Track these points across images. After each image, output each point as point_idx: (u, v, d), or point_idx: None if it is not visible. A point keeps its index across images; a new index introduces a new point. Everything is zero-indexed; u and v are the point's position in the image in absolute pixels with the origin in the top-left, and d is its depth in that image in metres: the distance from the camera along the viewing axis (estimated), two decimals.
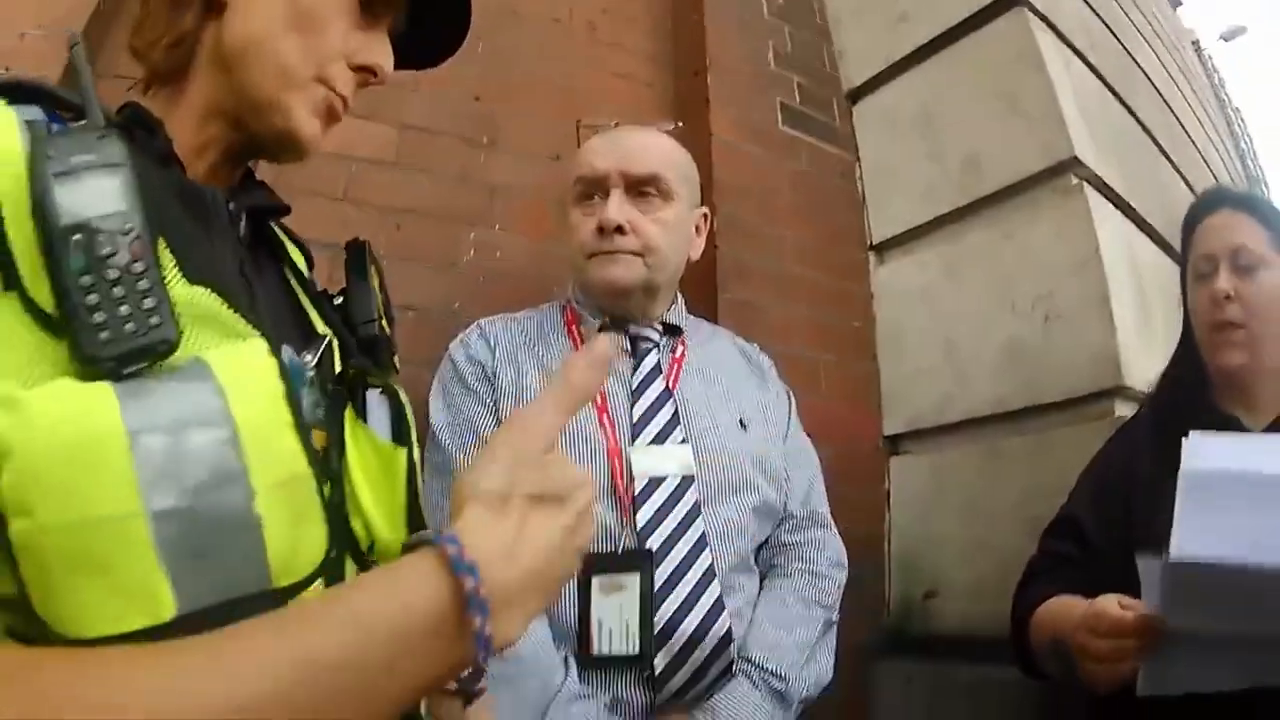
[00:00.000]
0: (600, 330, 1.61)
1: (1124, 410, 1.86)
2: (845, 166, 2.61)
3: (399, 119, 2.09)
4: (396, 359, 0.97)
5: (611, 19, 2.54)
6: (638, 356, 1.59)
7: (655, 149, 1.62)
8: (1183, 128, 3.16)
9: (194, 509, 0.57)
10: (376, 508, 0.79)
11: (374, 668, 0.52)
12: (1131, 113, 2.62)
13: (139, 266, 0.60)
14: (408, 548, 0.60)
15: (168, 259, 0.65)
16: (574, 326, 1.63)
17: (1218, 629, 1.10)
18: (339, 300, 0.95)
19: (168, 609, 0.56)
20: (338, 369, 0.83)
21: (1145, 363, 1.87)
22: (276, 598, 0.62)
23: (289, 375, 0.65)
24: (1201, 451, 1.14)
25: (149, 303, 0.60)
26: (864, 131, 2.65)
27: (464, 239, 2.08)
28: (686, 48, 2.53)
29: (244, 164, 0.87)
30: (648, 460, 1.46)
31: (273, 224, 0.92)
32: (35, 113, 0.66)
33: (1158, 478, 1.29)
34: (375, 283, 0.96)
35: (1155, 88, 3.01)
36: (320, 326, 0.87)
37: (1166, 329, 2.00)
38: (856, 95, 2.68)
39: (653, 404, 1.53)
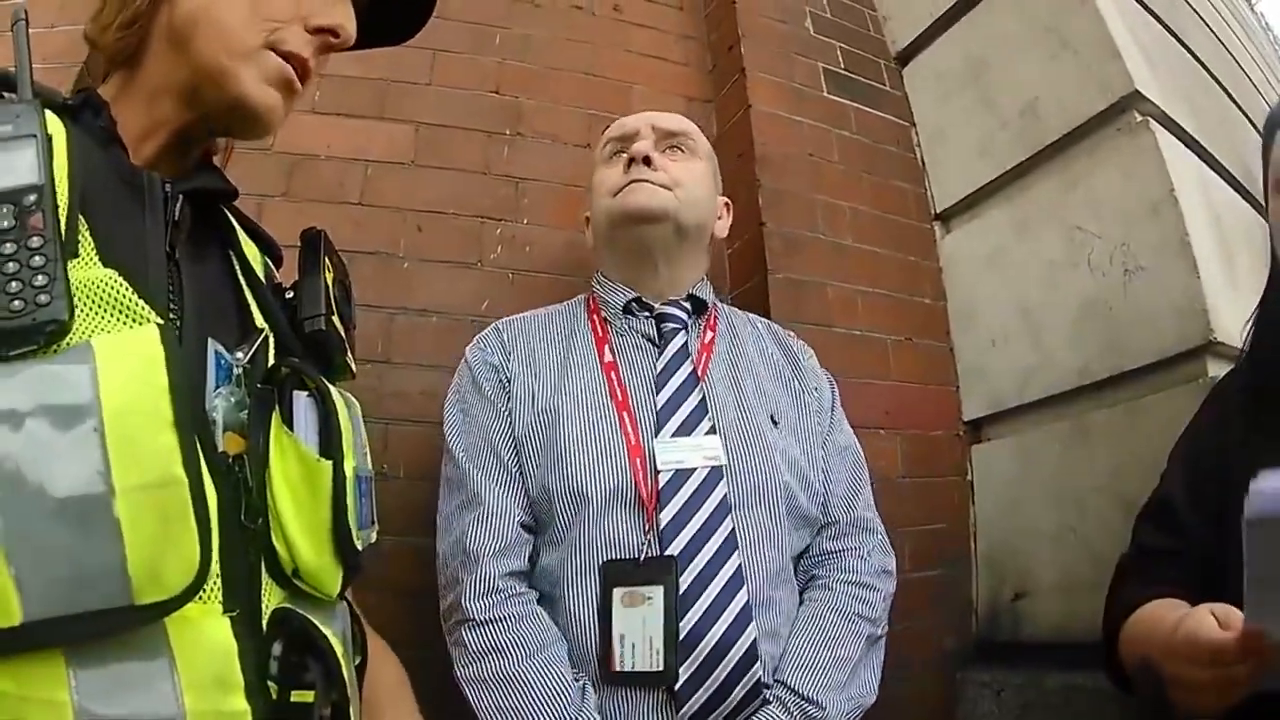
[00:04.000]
0: (625, 310, 1.53)
1: (1217, 370, 1.66)
2: (898, 132, 2.42)
3: (414, 117, 2.01)
4: (351, 360, 0.94)
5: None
6: (663, 339, 1.50)
7: (686, 120, 1.66)
8: (1244, 73, 2.95)
9: (47, 504, 0.54)
10: (298, 526, 0.74)
11: None
12: (1190, 51, 2.40)
13: (36, 241, 0.59)
14: None
15: (87, 240, 0.65)
16: (596, 315, 1.55)
17: None
18: (290, 295, 0.91)
19: (14, 612, 0.53)
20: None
21: (1235, 315, 1.65)
22: (138, 615, 0.58)
23: (175, 367, 0.61)
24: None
25: (40, 280, 0.58)
26: (916, 94, 2.48)
27: (490, 236, 1.97)
28: (719, 22, 2.39)
29: (197, 147, 0.85)
30: (674, 453, 1.37)
31: (229, 212, 0.90)
32: None
33: (1256, 445, 1.10)
34: (328, 277, 0.92)
35: (1211, 30, 2.80)
36: (259, 320, 0.84)
37: (1252, 282, 1.78)
38: (905, 57, 2.51)
39: (677, 391, 1.44)
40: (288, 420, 0.78)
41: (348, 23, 0.86)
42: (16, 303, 0.57)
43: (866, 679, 1.38)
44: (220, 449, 0.71)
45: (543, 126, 2.13)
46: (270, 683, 0.70)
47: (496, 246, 1.96)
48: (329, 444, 0.79)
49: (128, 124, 0.78)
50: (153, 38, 0.80)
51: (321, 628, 0.75)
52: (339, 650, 0.77)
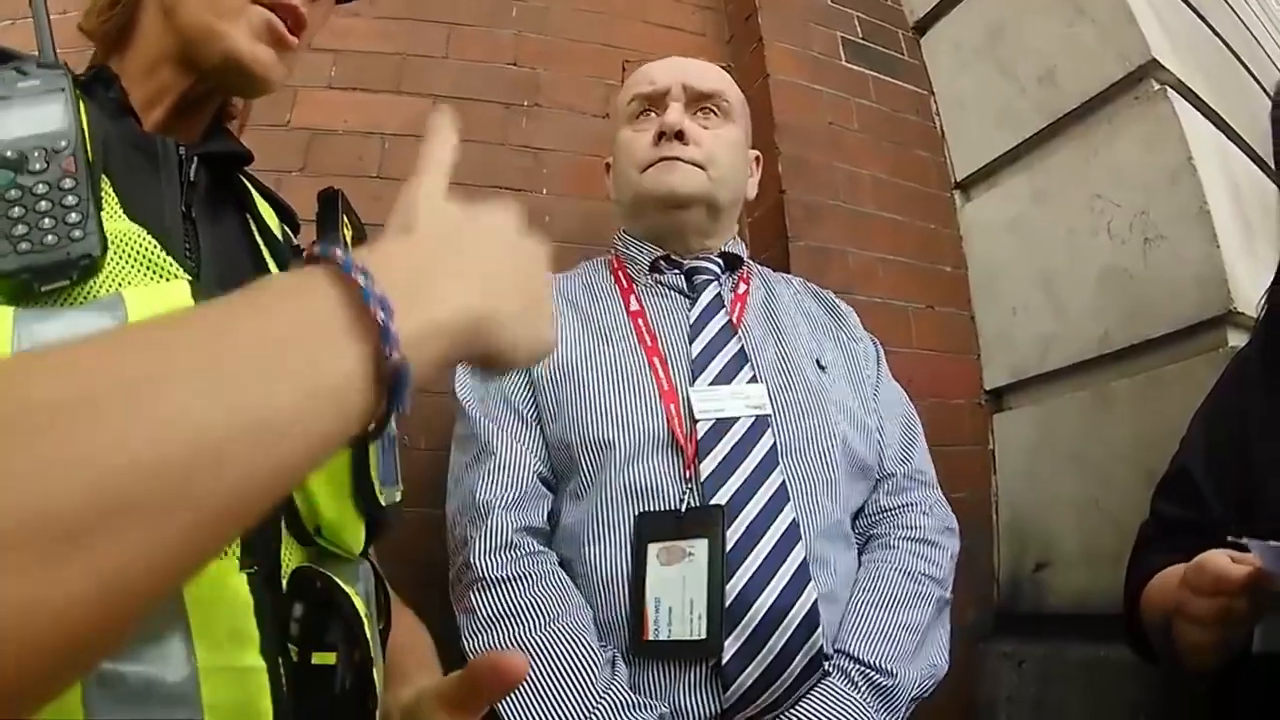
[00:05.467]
0: (652, 269, 1.42)
1: (1237, 340, 1.63)
2: (918, 102, 2.37)
3: (431, 90, 1.98)
4: None
5: None
6: (694, 291, 1.39)
7: (717, 71, 1.52)
8: (1260, 47, 2.91)
9: None
10: (319, 479, 0.71)
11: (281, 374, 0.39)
12: (1206, 23, 2.35)
13: (68, 183, 0.60)
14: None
15: (110, 195, 0.65)
16: (620, 272, 1.44)
17: None
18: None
19: None
20: None
21: (1255, 285, 1.59)
22: None
23: None
24: None
25: (74, 217, 0.59)
26: (935, 63, 2.43)
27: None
28: None
29: (204, 111, 0.85)
30: (712, 401, 1.24)
31: (243, 177, 0.89)
32: None
33: (1273, 413, 1.08)
34: (347, 235, 0.89)
35: (1227, 3, 2.74)
36: None
37: (1271, 253, 1.79)
38: (923, 26, 2.46)
39: (714, 339, 1.32)
40: None
41: None
42: (50, 238, 0.58)
43: (937, 647, 1.24)
44: None
45: (561, 98, 2.09)
46: (291, 645, 0.66)
47: None
48: None
49: (132, 95, 0.78)
50: (141, 13, 0.80)
51: (344, 586, 0.72)
52: (362, 610, 0.73)
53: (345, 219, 0.91)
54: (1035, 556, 1.98)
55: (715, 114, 1.46)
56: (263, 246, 0.85)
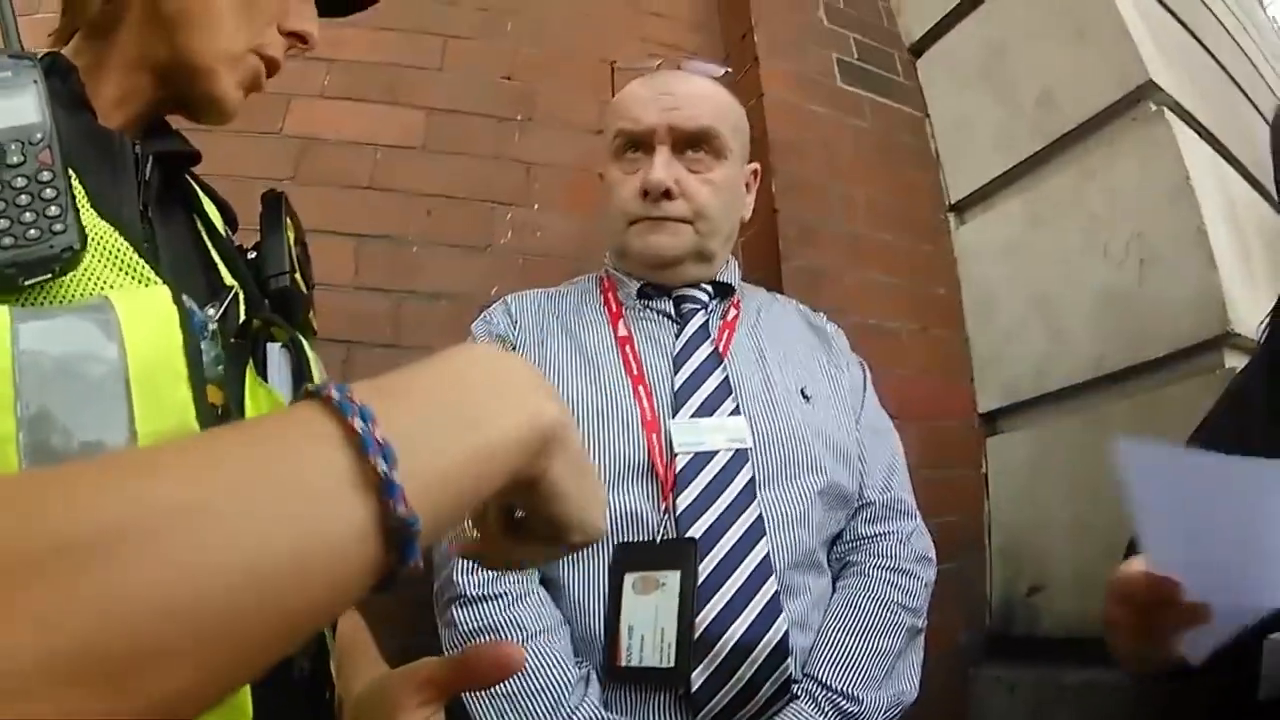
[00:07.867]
0: (639, 294, 1.38)
1: (1234, 362, 1.61)
2: (913, 123, 2.35)
3: (425, 102, 1.96)
4: (314, 317, 0.91)
5: None
6: (682, 319, 1.35)
7: (707, 100, 1.38)
8: (1258, 72, 2.91)
9: (71, 444, 0.53)
10: None
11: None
12: (1204, 46, 2.34)
13: (46, 175, 0.59)
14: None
15: (79, 190, 0.64)
16: (610, 294, 1.40)
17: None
18: (253, 255, 0.89)
19: None
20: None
21: (1252, 308, 1.57)
22: None
23: (189, 326, 0.61)
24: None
25: (54, 210, 0.58)
26: (931, 85, 2.41)
27: (500, 220, 1.90)
28: (731, 11, 2.32)
29: (161, 117, 0.84)
30: (692, 434, 1.22)
31: (189, 176, 0.88)
32: None
33: (1275, 435, 1.03)
34: (290, 236, 0.90)
35: (1224, 28, 2.73)
36: (228, 279, 0.81)
37: (1270, 276, 1.77)
38: (919, 49, 2.44)
39: (698, 370, 1.29)
40: (262, 372, 0.76)
41: (316, 30, 0.85)
42: (32, 231, 0.57)
43: (907, 675, 1.24)
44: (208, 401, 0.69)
45: (555, 112, 2.06)
46: None
47: (506, 231, 1.90)
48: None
49: (103, 91, 0.77)
50: (132, 11, 0.77)
51: None
52: None
53: (287, 220, 0.90)
54: (1029, 580, 1.95)
55: (707, 153, 1.35)
56: (211, 248, 0.84)
